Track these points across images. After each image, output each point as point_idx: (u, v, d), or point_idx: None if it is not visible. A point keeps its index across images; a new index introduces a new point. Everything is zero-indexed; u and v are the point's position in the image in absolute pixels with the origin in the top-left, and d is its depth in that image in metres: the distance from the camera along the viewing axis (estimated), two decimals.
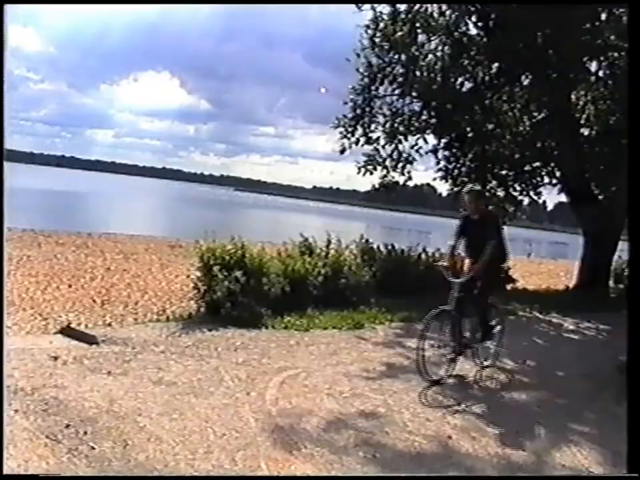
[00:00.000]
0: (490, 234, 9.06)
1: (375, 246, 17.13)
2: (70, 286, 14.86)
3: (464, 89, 19.29)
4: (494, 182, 21.00)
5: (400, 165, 19.85)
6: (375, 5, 18.57)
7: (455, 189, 20.71)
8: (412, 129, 19.79)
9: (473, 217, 9.26)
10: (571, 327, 14.73)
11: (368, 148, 19.81)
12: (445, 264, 9.27)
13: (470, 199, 9.33)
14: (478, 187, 10.48)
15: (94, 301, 13.47)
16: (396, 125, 19.72)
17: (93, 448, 5.70)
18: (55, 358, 8.27)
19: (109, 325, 11.25)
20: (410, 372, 9.19)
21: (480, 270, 8.91)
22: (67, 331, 9.90)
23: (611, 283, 20.76)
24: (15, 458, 5.34)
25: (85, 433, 5.98)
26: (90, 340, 9.39)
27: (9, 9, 5.05)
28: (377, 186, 20.58)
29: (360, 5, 18.49)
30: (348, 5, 18.49)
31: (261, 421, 6.72)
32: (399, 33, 18.46)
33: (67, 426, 6.07)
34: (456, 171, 20.58)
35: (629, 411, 5.20)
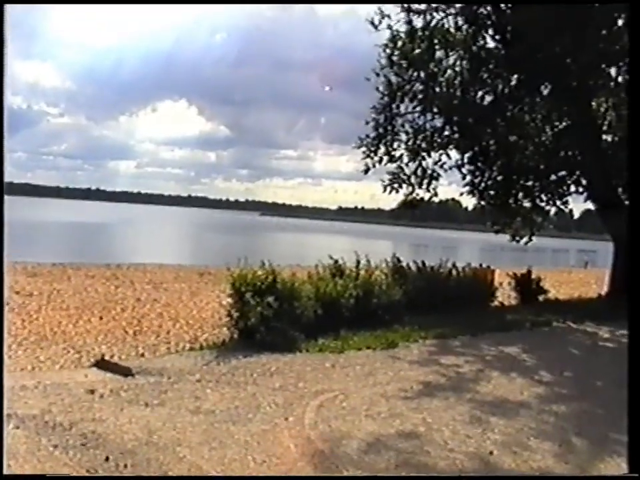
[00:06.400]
0: None
1: (404, 264, 17.00)
2: (101, 318, 14.86)
3: (484, 102, 19.32)
4: (520, 194, 20.92)
5: (425, 181, 19.85)
6: (392, 24, 18.65)
7: (482, 202, 20.71)
8: (435, 145, 19.81)
9: None
10: (606, 335, 14.57)
11: (392, 166, 19.83)
12: None
13: None
14: None
15: (126, 332, 13.47)
16: (418, 141, 19.75)
17: None
18: (92, 391, 8.25)
19: (142, 355, 11.23)
20: (447, 389, 9.14)
21: None
22: (102, 364, 9.94)
23: None
24: None
25: (125, 465, 5.96)
26: (125, 372, 9.41)
27: (9, 12, 5.01)
28: (402, 203, 20.60)
29: (378, 25, 18.61)
30: (364, 25, 18.60)
31: (301, 446, 6.68)
32: (417, 50, 18.57)
33: (107, 459, 6.05)
34: (482, 185, 20.52)
35: (629, 410, 5.12)
